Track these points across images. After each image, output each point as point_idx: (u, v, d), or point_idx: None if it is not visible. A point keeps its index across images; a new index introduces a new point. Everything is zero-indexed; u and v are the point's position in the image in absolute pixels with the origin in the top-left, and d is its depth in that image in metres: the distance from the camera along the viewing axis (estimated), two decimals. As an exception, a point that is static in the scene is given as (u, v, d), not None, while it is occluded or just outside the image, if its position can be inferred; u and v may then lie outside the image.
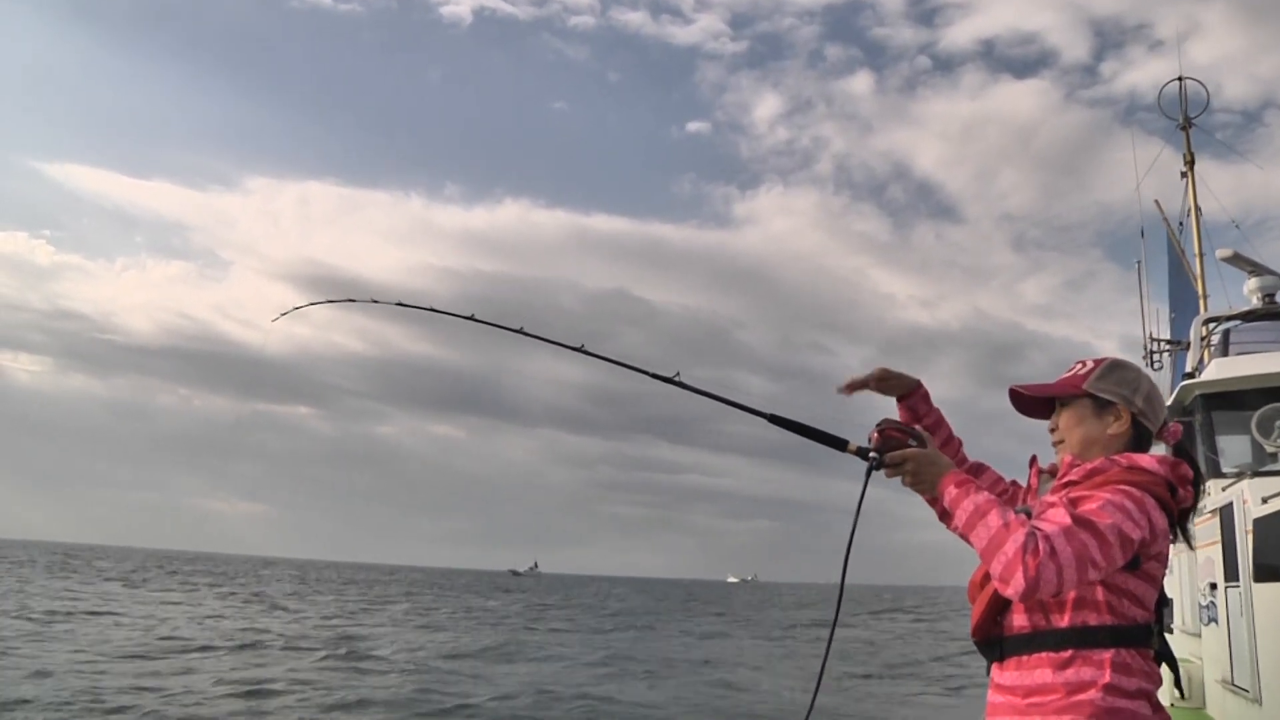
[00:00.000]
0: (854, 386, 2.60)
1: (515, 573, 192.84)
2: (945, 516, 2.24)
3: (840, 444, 2.23)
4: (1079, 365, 2.29)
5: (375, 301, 3.33)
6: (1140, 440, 2.19)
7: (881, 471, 2.14)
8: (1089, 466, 2.08)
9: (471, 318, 2.98)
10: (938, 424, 2.61)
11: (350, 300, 3.48)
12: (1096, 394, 2.20)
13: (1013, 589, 1.83)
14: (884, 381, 2.60)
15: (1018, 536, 1.83)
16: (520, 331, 2.84)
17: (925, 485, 2.11)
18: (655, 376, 2.52)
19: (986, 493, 1.98)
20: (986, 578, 2.14)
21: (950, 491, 2.02)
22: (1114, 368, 2.24)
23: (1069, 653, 1.97)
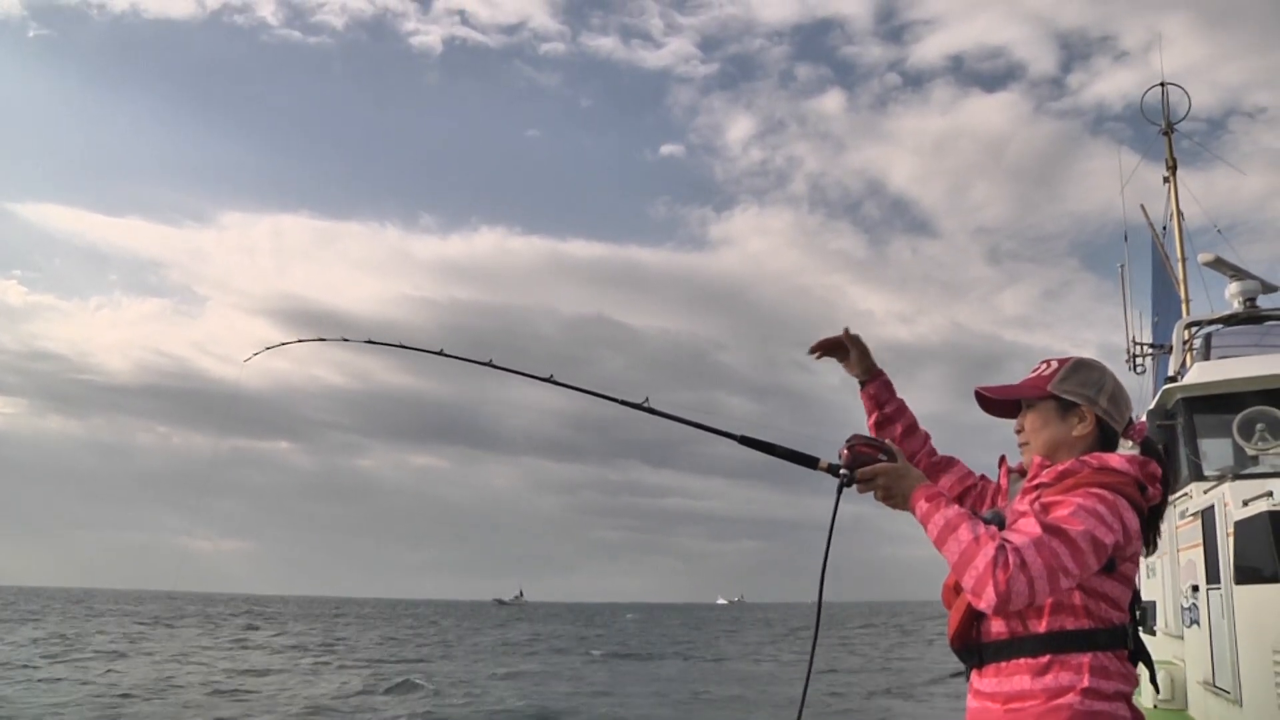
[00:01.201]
0: (822, 346, 2.72)
1: (501, 602, 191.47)
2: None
3: (811, 462, 2.23)
4: (1043, 365, 2.29)
5: (346, 340, 3.41)
6: (1106, 439, 2.20)
7: (853, 488, 2.14)
8: (1059, 468, 2.09)
9: (440, 353, 3.02)
10: (899, 412, 2.66)
11: (321, 339, 3.57)
12: (1061, 395, 2.20)
13: (984, 603, 1.84)
14: (853, 346, 2.69)
15: (988, 551, 1.84)
16: (489, 364, 2.88)
17: (896, 500, 2.10)
18: (624, 403, 2.53)
19: (957, 506, 1.99)
20: (960, 589, 2.15)
21: (921, 506, 2.02)
22: (1077, 368, 2.23)
23: (1047, 658, 1.97)
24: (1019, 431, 2.29)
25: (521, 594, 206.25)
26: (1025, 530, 1.89)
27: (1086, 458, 2.09)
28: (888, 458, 2.14)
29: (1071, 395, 2.19)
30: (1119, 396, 2.23)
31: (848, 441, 2.17)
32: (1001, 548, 1.83)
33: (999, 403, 2.34)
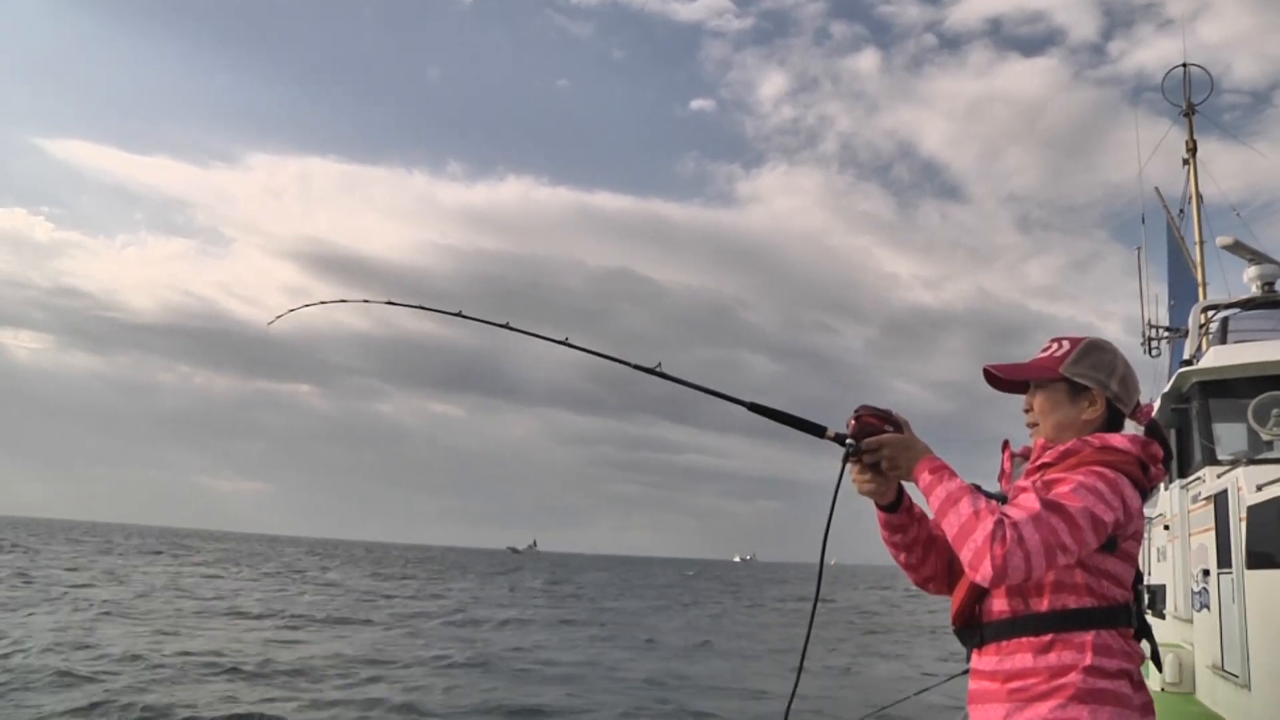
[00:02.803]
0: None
1: (515, 550, 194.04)
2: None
3: (819, 430, 2.22)
4: (1054, 345, 2.27)
5: (367, 301, 3.44)
6: (1113, 422, 2.19)
7: (859, 458, 2.13)
8: (1062, 448, 2.08)
9: (459, 314, 3.02)
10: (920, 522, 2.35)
11: (342, 301, 3.61)
12: (1072, 378, 2.19)
13: (981, 576, 1.84)
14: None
15: (986, 525, 1.84)
16: (507, 326, 2.88)
17: (901, 471, 2.10)
18: (637, 368, 2.52)
19: (960, 480, 1.99)
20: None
21: (925, 478, 2.02)
22: (1089, 350, 2.21)
23: (1049, 636, 1.97)
24: (1027, 411, 2.28)
25: (535, 544, 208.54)
26: (1025, 505, 1.89)
27: (1089, 437, 2.07)
28: (894, 429, 2.13)
29: (1083, 379, 2.18)
30: (1129, 379, 2.22)
31: (855, 411, 2.16)
32: (1000, 523, 1.83)
33: (1003, 377, 2.32)
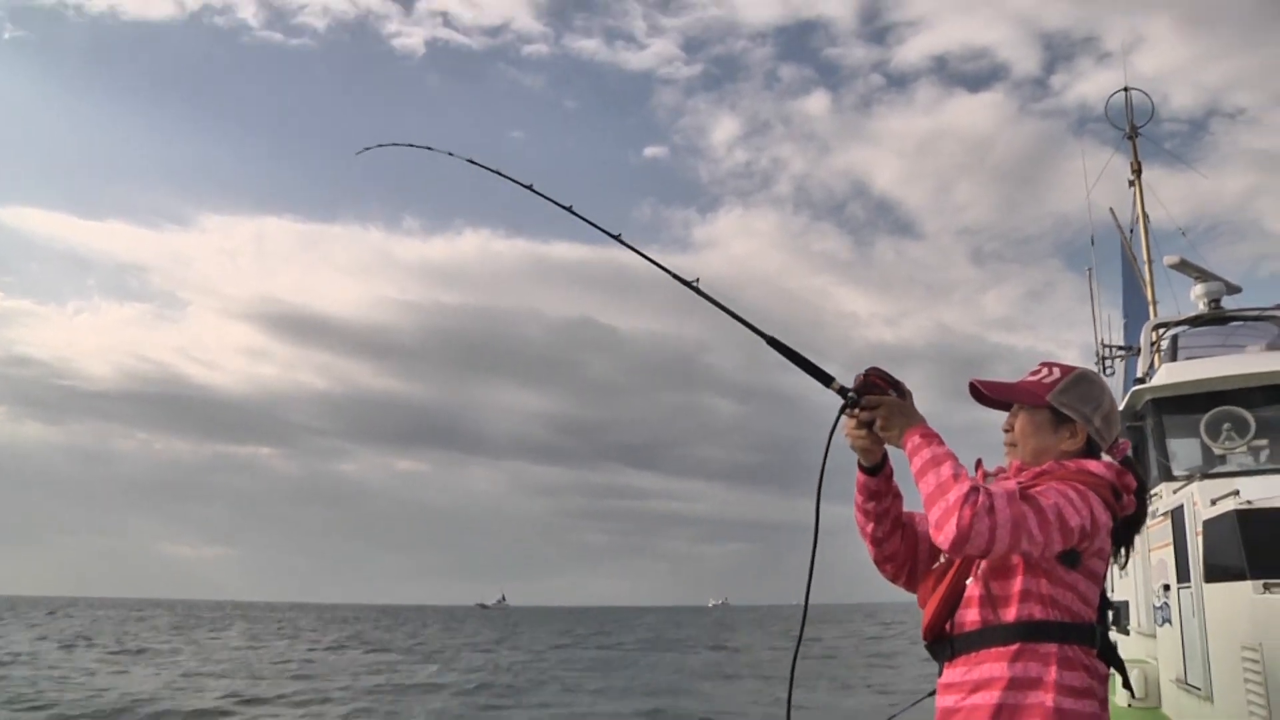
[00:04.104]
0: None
1: (484, 606, 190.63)
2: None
3: (826, 379, 2.27)
4: (1044, 369, 2.31)
5: (451, 154, 3.44)
6: (1090, 455, 2.23)
7: (855, 410, 2.18)
8: (1037, 470, 2.13)
9: (530, 187, 3.11)
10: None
11: (429, 147, 3.53)
12: (1058, 407, 2.23)
13: (944, 535, 1.88)
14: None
15: (963, 486, 1.89)
16: (570, 210, 3.00)
17: (892, 433, 2.13)
18: (676, 277, 2.60)
19: (948, 449, 2.03)
20: (938, 581, 2.19)
21: (914, 440, 2.06)
22: (1079, 381, 2.26)
23: (1017, 646, 2.00)
24: (1007, 430, 2.31)
25: (504, 598, 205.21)
26: (1004, 486, 1.95)
27: (1066, 461, 2.13)
28: (898, 395, 2.18)
29: (1068, 409, 2.22)
30: (1112, 416, 2.27)
31: (865, 370, 2.22)
32: (976, 489, 1.88)
33: (989, 395, 2.36)
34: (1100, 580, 2.13)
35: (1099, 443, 2.24)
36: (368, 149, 3.85)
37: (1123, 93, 11.89)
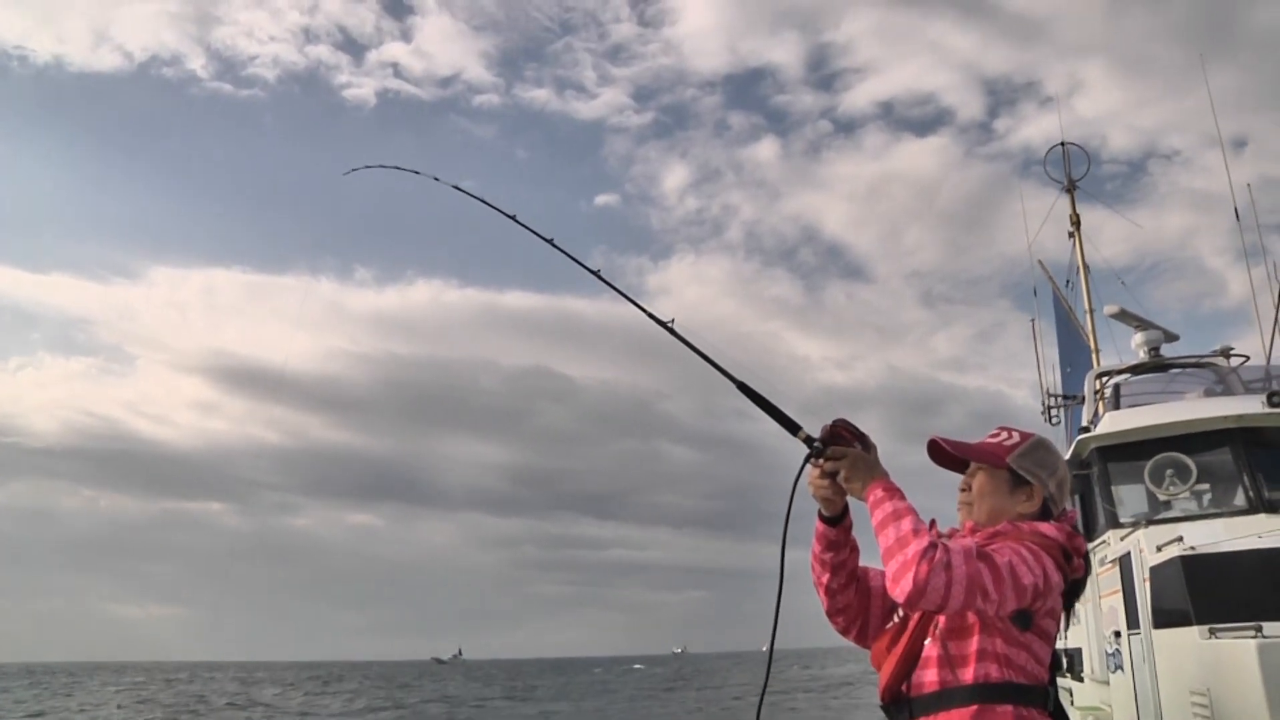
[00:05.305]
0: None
1: (439, 661, 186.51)
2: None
3: (794, 427, 2.28)
4: (1003, 434, 2.36)
5: (437, 180, 3.60)
6: (1044, 517, 2.27)
7: (820, 460, 2.19)
8: (991, 530, 2.17)
9: (513, 218, 3.17)
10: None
11: (416, 171, 3.69)
12: (1018, 469, 2.27)
13: (900, 589, 1.90)
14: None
15: (921, 542, 1.91)
16: (551, 243, 3.05)
17: (855, 486, 2.15)
18: (651, 317, 2.65)
19: (910, 504, 2.05)
20: (893, 641, 2.18)
21: (876, 493, 2.08)
22: (1036, 447, 2.32)
23: (975, 708, 2.01)
24: (964, 490, 2.35)
25: (460, 653, 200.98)
26: (961, 543, 1.98)
27: (1019, 523, 2.18)
28: (863, 447, 2.19)
29: (1027, 473, 2.27)
30: (1066, 483, 2.33)
31: (833, 421, 2.23)
32: (934, 545, 1.91)
33: (945, 453, 2.38)
34: (1053, 640, 2.16)
35: (1053, 507, 2.29)
36: (355, 170, 3.86)
37: (1060, 147, 12.27)
